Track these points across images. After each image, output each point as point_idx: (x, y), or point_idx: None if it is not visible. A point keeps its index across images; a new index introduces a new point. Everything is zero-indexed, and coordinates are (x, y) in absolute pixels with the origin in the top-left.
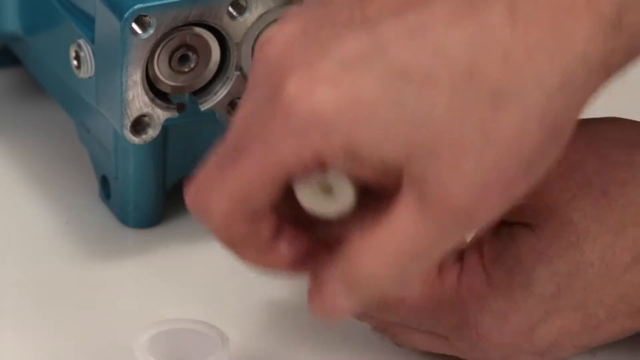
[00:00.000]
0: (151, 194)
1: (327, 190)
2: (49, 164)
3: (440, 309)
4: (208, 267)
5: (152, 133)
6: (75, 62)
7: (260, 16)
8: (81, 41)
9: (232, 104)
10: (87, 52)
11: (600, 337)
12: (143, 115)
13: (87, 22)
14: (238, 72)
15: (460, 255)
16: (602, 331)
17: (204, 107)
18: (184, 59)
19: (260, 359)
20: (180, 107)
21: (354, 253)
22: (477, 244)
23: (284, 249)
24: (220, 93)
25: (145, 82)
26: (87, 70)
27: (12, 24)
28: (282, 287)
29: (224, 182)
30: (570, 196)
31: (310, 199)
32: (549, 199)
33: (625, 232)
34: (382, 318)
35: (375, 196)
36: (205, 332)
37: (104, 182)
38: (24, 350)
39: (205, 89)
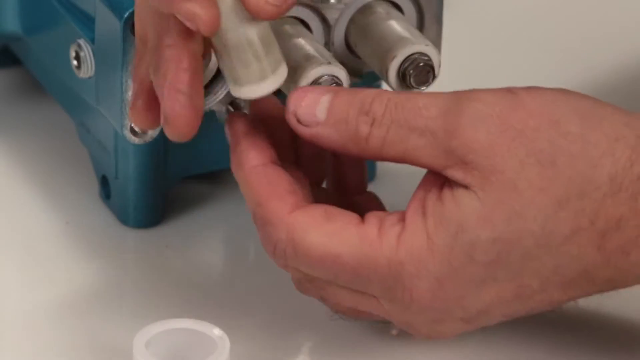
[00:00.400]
0: (151, 194)
1: None
2: (49, 164)
3: (376, 270)
4: (208, 267)
5: (152, 133)
6: (75, 62)
7: None
8: (81, 41)
9: (232, 104)
10: (87, 52)
11: (529, 307)
12: None
13: (87, 22)
14: None
15: (401, 216)
16: (532, 301)
17: (204, 107)
18: None
19: (260, 359)
20: None
21: None
22: (421, 206)
23: None
24: (220, 93)
25: None
26: (87, 70)
27: (12, 24)
28: (282, 288)
29: None
30: (518, 163)
31: None
32: (496, 162)
33: (568, 204)
34: (311, 274)
35: None
36: (205, 332)
37: (104, 182)
38: (24, 349)
39: (205, 89)
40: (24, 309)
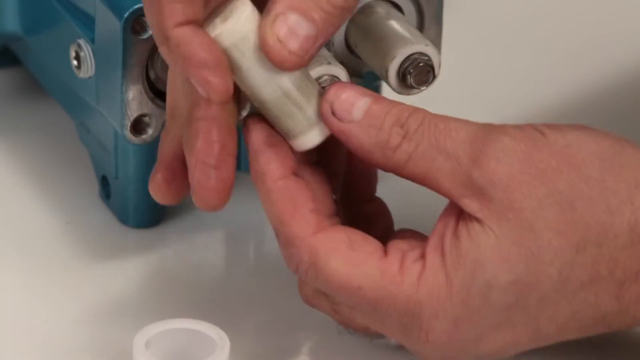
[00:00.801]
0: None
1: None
2: (49, 164)
3: (395, 305)
4: (208, 267)
5: (152, 133)
6: (75, 62)
7: None
8: (81, 41)
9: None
10: (87, 52)
11: (541, 344)
12: (143, 115)
13: (87, 22)
14: None
15: (422, 253)
16: (546, 342)
17: None
18: None
19: (260, 359)
20: None
21: None
22: (440, 243)
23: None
24: None
25: (145, 82)
26: (87, 70)
27: (12, 24)
28: (282, 288)
29: None
30: (537, 202)
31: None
32: (514, 198)
33: (585, 250)
34: (331, 299)
35: None
36: (205, 332)
37: (104, 182)
38: (25, 349)
39: None
40: (24, 309)
